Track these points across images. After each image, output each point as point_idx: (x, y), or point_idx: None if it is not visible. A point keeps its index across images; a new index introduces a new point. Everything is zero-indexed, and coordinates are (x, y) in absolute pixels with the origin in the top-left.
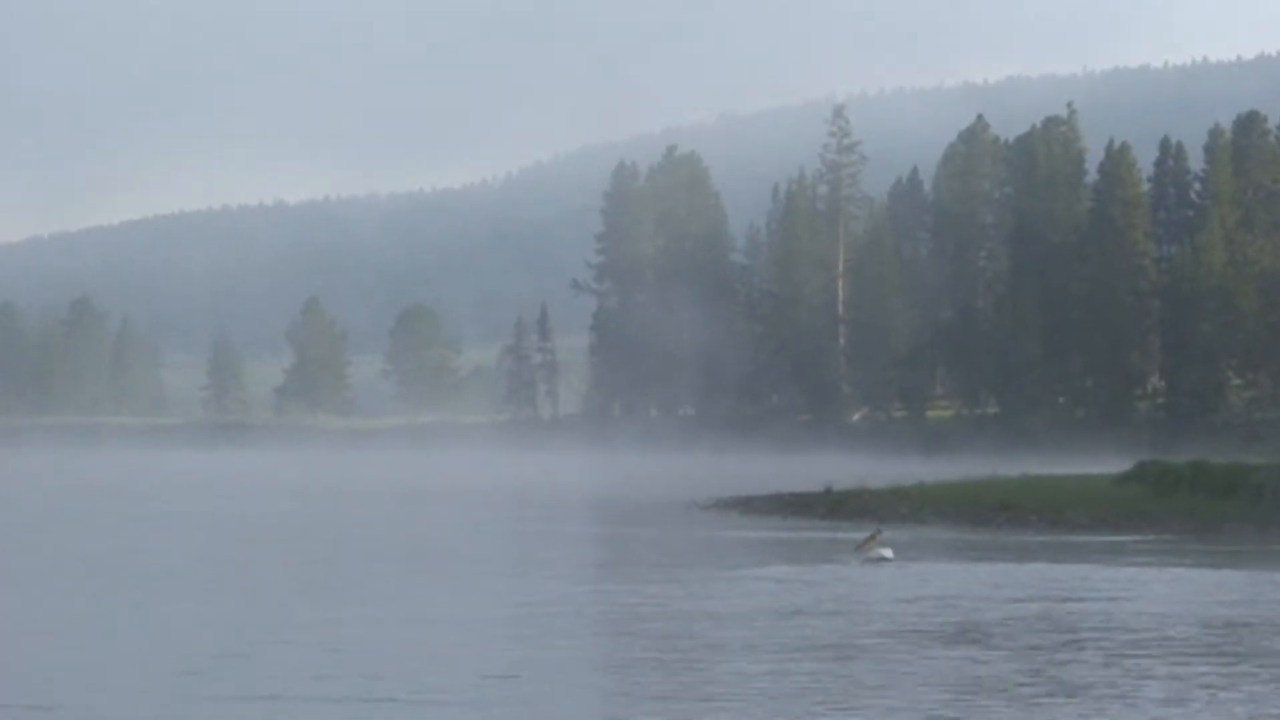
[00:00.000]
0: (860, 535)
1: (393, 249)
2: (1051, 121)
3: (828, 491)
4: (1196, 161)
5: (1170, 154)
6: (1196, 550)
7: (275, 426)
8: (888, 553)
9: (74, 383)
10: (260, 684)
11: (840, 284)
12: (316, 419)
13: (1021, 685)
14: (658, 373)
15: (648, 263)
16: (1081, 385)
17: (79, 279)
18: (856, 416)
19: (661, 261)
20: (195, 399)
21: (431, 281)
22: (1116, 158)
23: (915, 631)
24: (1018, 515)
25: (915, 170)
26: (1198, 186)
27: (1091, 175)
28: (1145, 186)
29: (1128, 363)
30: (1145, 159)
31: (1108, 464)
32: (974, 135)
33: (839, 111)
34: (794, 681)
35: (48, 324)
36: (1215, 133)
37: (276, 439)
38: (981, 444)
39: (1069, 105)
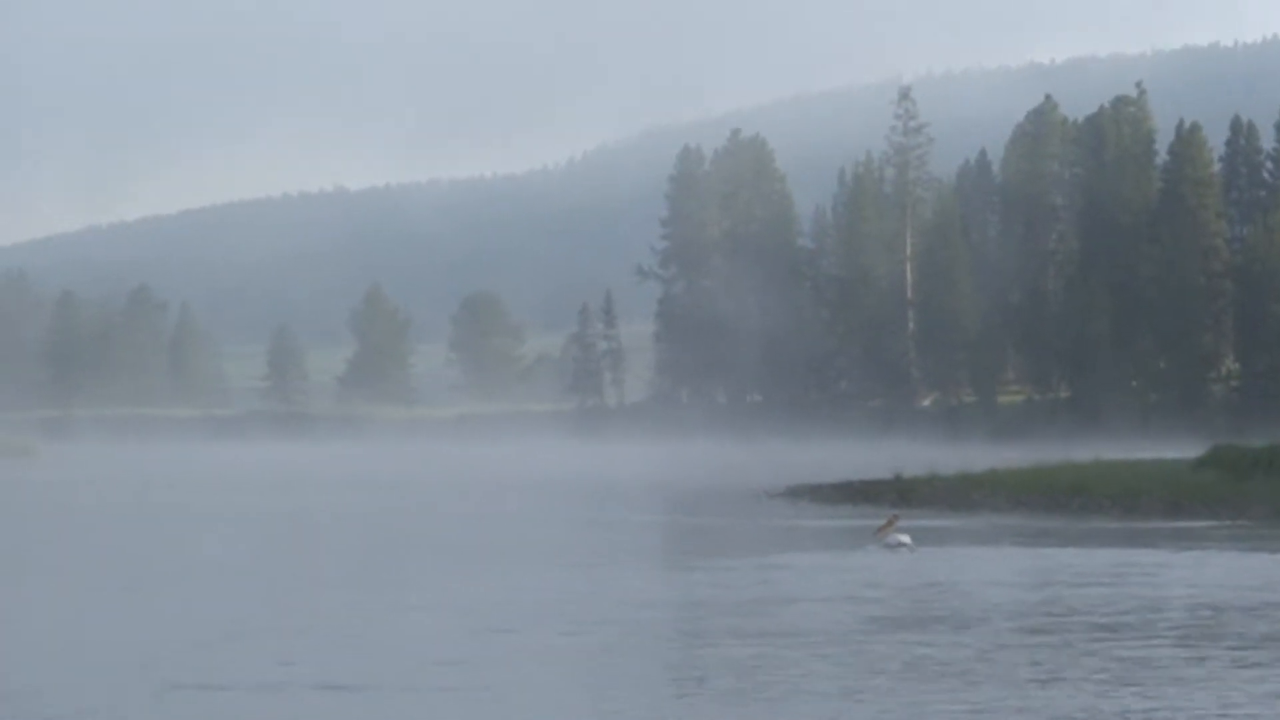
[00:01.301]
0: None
1: (455, 236)
2: (1120, 101)
3: (898, 478)
4: (1268, 140)
5: (1241, 133)
6: (1273, 535)
7: (337, 417)
8: (905, 538)
9: (132, 373)
10: (216, 673)
11: (908, 267)
12: (378, 409)
13: (965, 671)
14: (724, 359)
15: (713, 247)
16: (1154, 368)
17: (137, 269)
18: (926, 401)
19: (727, 246)
20: (255, 389)
21: (494, 269)
22: (1187, 138)
23: (890, 619)
24: (1091, 501)
25: (983, 152)
26: (1270, 165)
27: (1161, 156)
28: (1216, 166)
29: (1201, 345)
30: (1216, 138)
31: (1182, 448)
32: (1042, 116)
33: (905, 93)
34: (740, 669)
35: (106, 314)
36: None
37: (338, 430)
38: (1053, 429)
39: (1138, 85)
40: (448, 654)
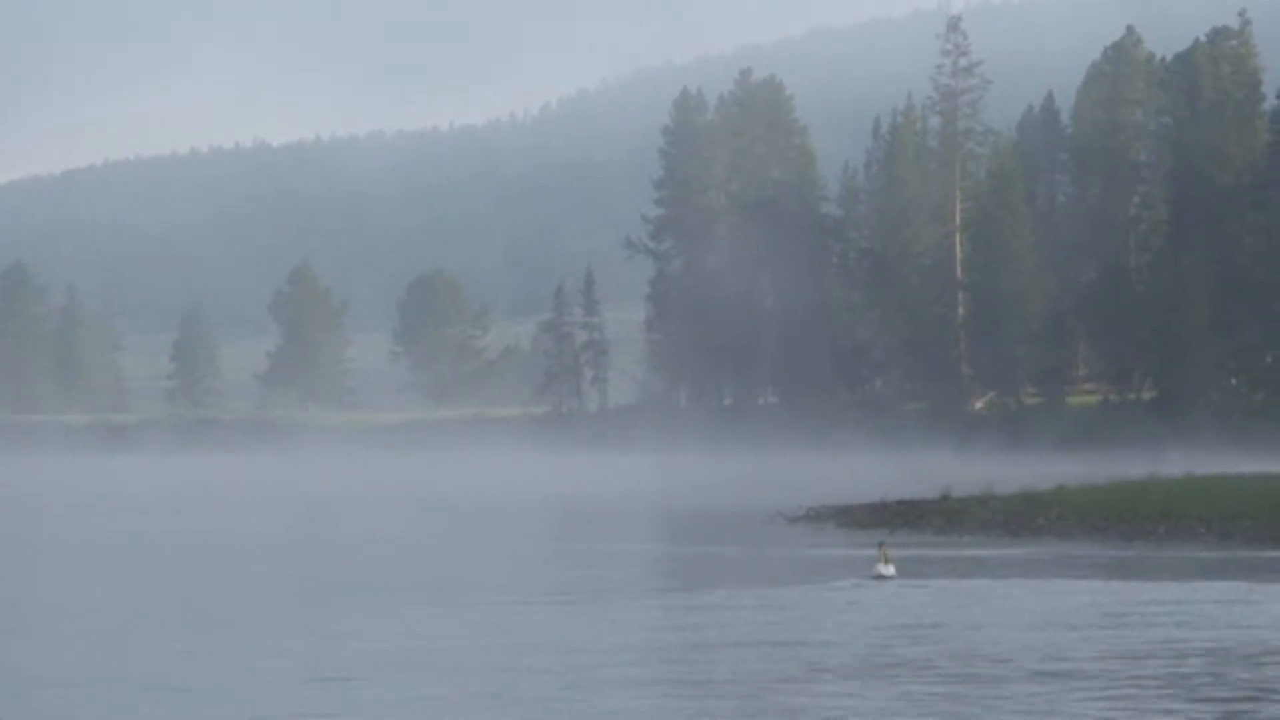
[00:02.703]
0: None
1: (401, 202)
2: (1219, 34)
3: (945, 498)
4: None
5: None
6: None
7: (257, 423)
8: (888, 569)
9: (7, 370)
10: None
11: (958, 240)
12: (309, 413)
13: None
14: (732, 353)
15: (719, 216)
16: (1259, 363)
17: (10, 241)
18: (979, 404)
19: (736, 214)
20: (159, 390)
21: (449, 242)
22: None
23: (821, 668)
24: (1181, 526)
25: (1050, 96)
26: None
27: (1269, 101)
28: None
29: None
30: None
31: None
32: (1123, 52)
33: (955, 24)
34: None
35: None
36: None
37: (258, 439)
38: (1134, 436)
39: (1241, 14)
40: (260, 707)
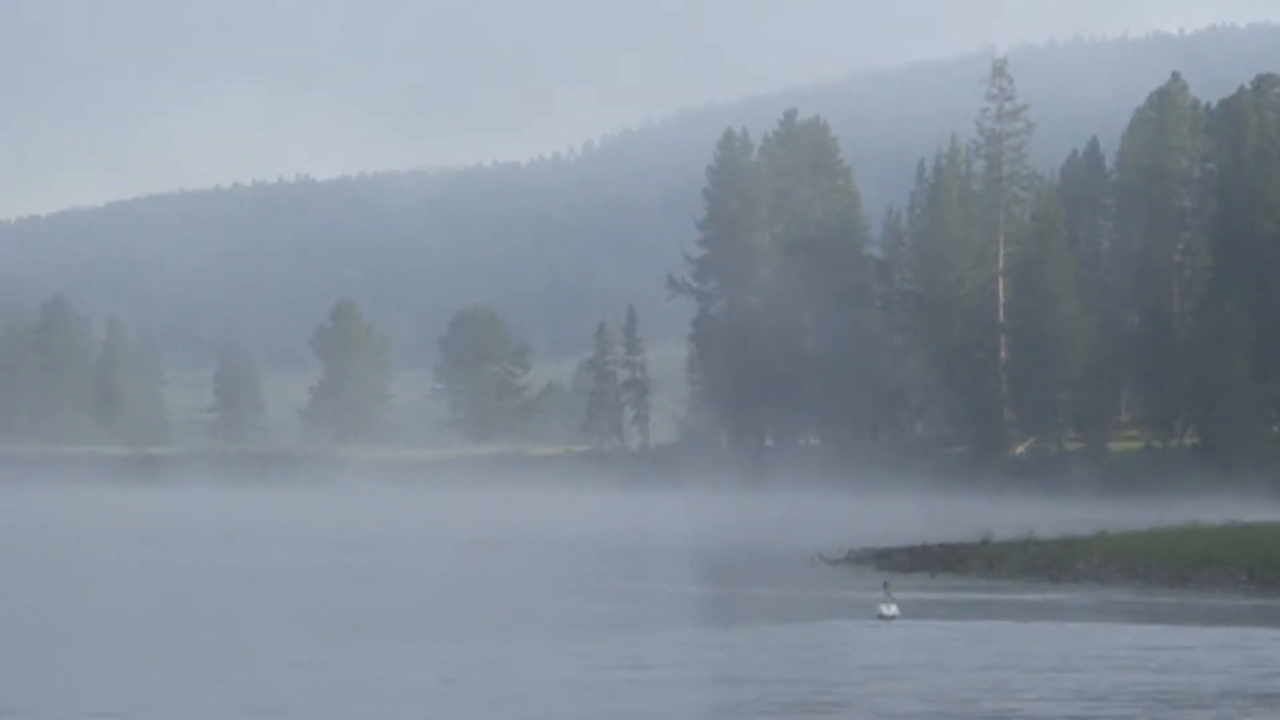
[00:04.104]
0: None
1: (444, 238)
2: (1265, 81)
3: (986, 543)
4: None
5: None
6: None
7: (299, 458)
8: (890, 610)
9: (48, 403)
10: None
11: (1001, 284)
12: (350, 449)
13: None
14: (773, 394)
15: (762, 256)
16: None
17: (52, 274)
18: (1021, 448)
19: (779, 255)
20: (200, 424)
21: (491, 279)
22: None
23: (762, 704)
24: (1222, 573)
25: (1094, 142)
26: None
27: None
28: None
29: None
30: None
31: None
32: (1168, 98)
33: (1000, 68)
34: None
35: (14, 330)
36: None
37: (300, 473)
38: (1176, 483)
39: None
40: None
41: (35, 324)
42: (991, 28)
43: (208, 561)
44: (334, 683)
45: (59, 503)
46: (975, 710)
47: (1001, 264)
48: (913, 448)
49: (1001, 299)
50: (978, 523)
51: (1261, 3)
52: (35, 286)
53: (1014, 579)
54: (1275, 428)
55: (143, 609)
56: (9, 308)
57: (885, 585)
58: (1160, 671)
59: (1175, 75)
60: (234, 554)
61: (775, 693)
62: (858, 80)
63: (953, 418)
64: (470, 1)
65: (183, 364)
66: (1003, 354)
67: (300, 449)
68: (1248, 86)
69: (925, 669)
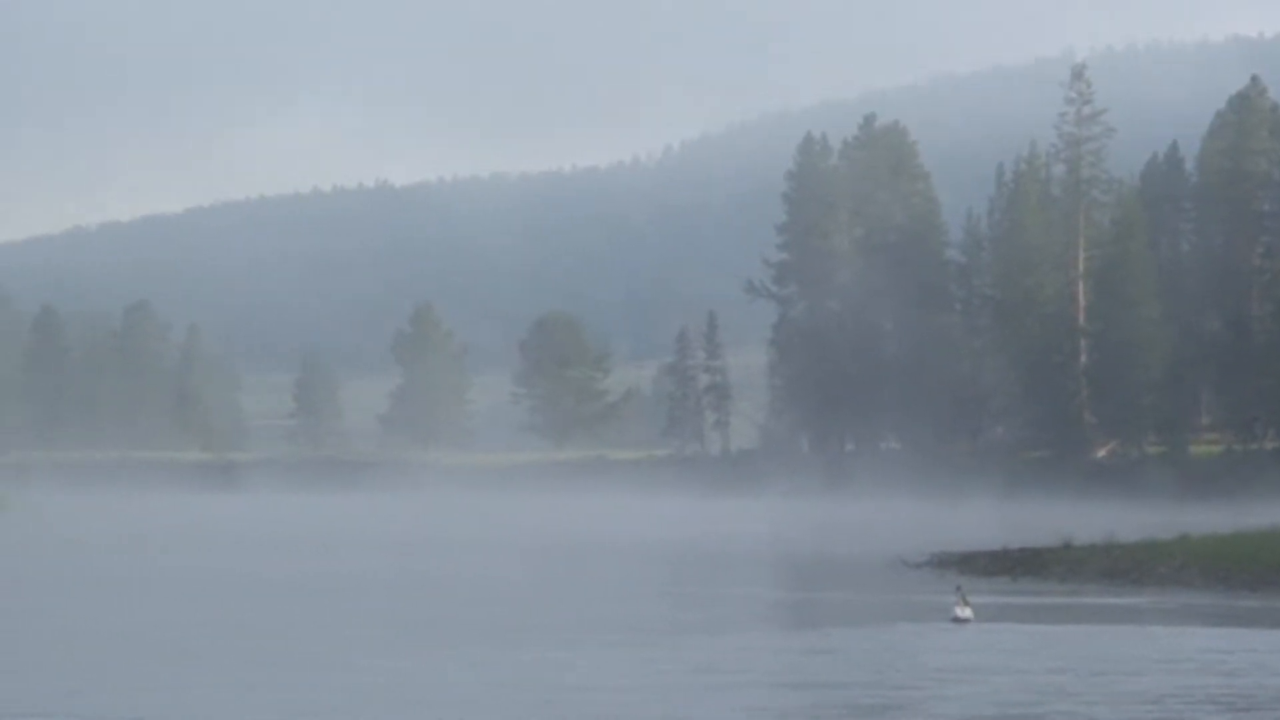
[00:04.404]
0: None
1: (523, 243)
2: None
3: (1067, 547)
4: None
5: None
6: None
7: (378, 463)
8: (964, 612)
9: (128, 408)
10: None
11: (1081, 287)
12: (429, 454)
13: None
14: (853, 398)
15: (842, 261)
16: None
17: (134, 280)
18: (1102, 452)
19: (859, 259)
20: (280, 429)
21: (571, 284)
22: None
23: (815, 707)
24: None
25: (1174, 145)
26: None
27: None
28: None
29: None
30: None
31: None
32: (1247, 101)
33: (1079, 72)
34: None
35: (95, 336)
36: None
37: (379, 478)
38: (1258, 486)
39: None
40: None
41: (116, 329)
42: (1070, 32)
43: (282, 567)
44: (388, 687)
45: (137, 508)
46: (1030, 712)
47: (1081, 268)
48: (993, 452)
49: (1081, 303)
50: (1058, 527)
51: None
52: (116, 292)
53: (1095, 583)
54: None
55: (210, 614)
56: (90, 313)
57: (958, 589)
58: (1227, 674)
59: (1255, 79)
60: (308, 560)
61: (835, 696)
62: (937, 84)
63: (1033, 422)
64: (550, 8)
65: (262, 370)
66: (1083, 358)
67: (379, 454)
68: None
69: (990, 672)
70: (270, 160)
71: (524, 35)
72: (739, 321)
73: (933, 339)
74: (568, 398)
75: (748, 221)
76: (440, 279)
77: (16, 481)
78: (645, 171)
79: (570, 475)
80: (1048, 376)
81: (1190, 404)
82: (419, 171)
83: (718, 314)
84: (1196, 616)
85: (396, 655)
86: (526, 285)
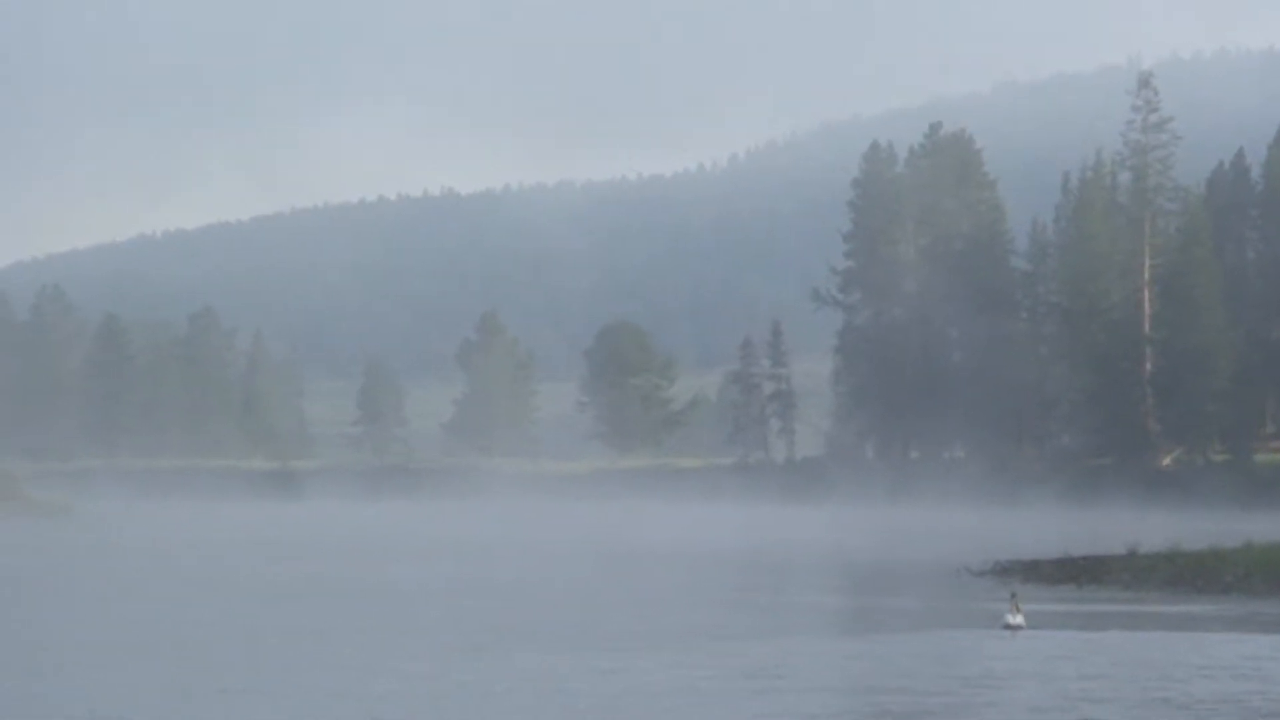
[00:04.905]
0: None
1: (588, 251)
2: None
3: (1131, 554)
4: None
5: None
6: None
7: (443, 471)
8: (1016, 619)
9: (192, 416)
10: None
11: (1146, 295)
12: (494, 462)
13: None
14: (919, 406)
15: (907, 269)
16: None
17: (199, 286)
18: (1167, 460)
19: (924, 267)
20: (344, 437)
21: (638, 292)
22: None
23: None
24: None
25: (1240, 152)
26: None
27: None
28: None
29: None
30: None
31: None
32: None
33: (1145, 79)
34: None
35: (160, 343)
36: None
37: (444, 486)
38: None
39: None
40: None
41: (180, 337)
42: (1136, 39)
43: (344, 574)
44: (439, 693)
45: (199, 515)
46: (1051, 719)
47: (1147, 275)
48: (1057, 459)
49: (1147, 310)
50: (1123, 534)
51: None
52: (181, 299)
53: (1159, 591)
54: None
55: (270, 620)
56: (155, 321)
57: (1012, 595)
58: (1263, 680)
59: None
60: (371, 567)
61: (866, 702)
62: (1002, 92)
63: (1097, 429)
64: (613, 18)
65: (326, 377)
66: (1148, 365)
67: (443, 462)
68: None
69: (1025, 678)
70: (336, 168)
71: (591, 43)
72: (804, 329)
73: (998, 346)
74: (633, 405)
75: (813, 229)
76: (506, 286)
77: (79, 489)
78: (711, 179)
79: (635, 483)
80: (1113, 384)
81: (1255, 411)
82: (485, 179)
83: (783, 321)
84: (1257, 624)
85: (453, 661)
86: (592, 293)
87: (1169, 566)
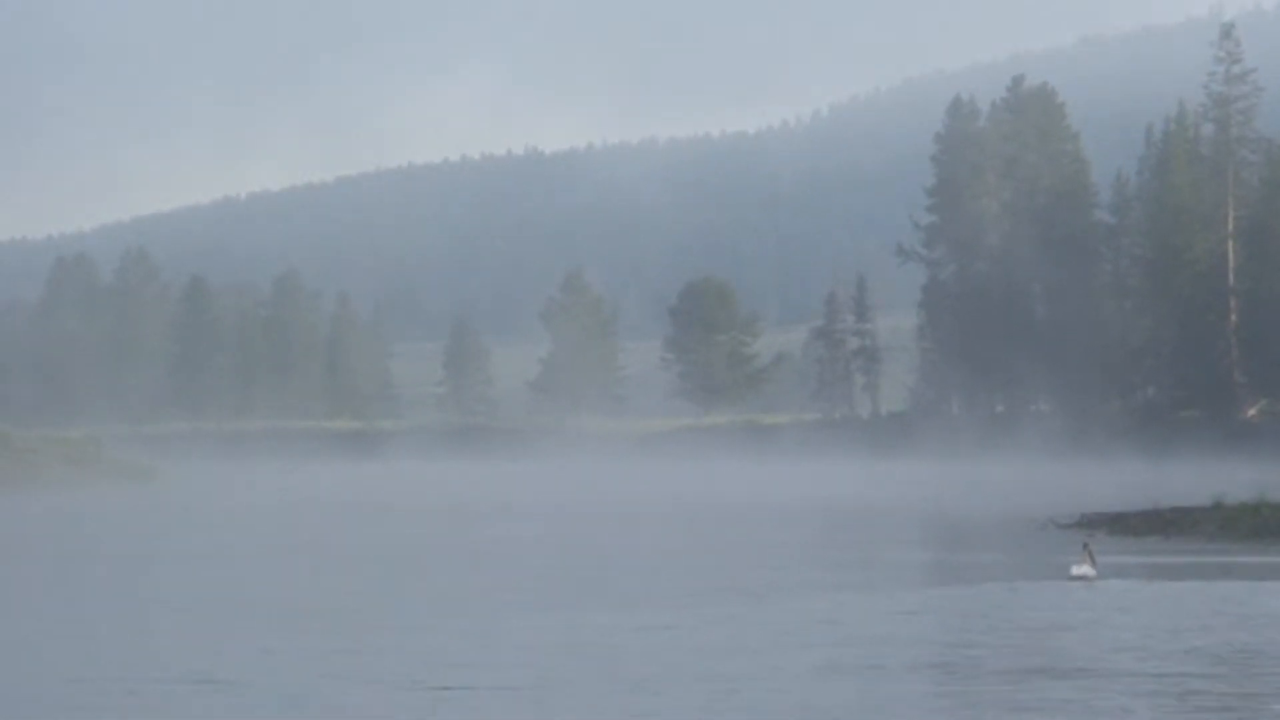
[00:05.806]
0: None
1: (672, 209)
2: None
3: (1217, 506)
4: None
5: None
6: None
7: (528, 430)
8: (1085, 569)
9: (278, 378)
10: None
11: (1231, 247)
12: (580, 420)
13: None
14: (1004, 360)
15: (991, 223)
16: None
17: (284, 248)
18: (1252, 411)
19: (1008, 221)
20: (430, 397)
21: (722, 249)
22: None
23: (884, 664)
24: None
25: None
26: None
27: None
28: None
29: None
30: None
31: None
32: None
33: (1228, 31)
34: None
35: (245, 306)
36: None
37: (529, 445)
38: None
39: None
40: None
41: (265, 299)
42: None
43: (429, 534)
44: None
45: (286, 478)
46: (1082, 667)
47: (1231, 227)
48: (1143, 412)
49: (1231, 262)
50: (1209, 486)
51: None
52: (266, 261)
53: (1244, 542)
54: None
55: (353, 581)
56: (240, 284)
57: (1085, 545)
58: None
59: None
60: (457, 527)
61: (900, 653)
62: (1085, 45)
63: (1183, 381)
64: None
65: (412, 337)
66: (1233, 317)
67: (528, 421)
68: None
69: (1070, 629)
70: (420, 129)
71: (675, 1)
72: (888, 284)
73: (1082, 300)
74: (718, 362)
75: (897, 185)
76: (590, 245)
77: (165, 452)
78: (794, 136)
79: (720, 440)
80: (1198, 336)
81: None
82: (568, 138)
83: (867, 277)
84: None
85: (521, 617)
86: (676, 250)
87: (1254, 518)
